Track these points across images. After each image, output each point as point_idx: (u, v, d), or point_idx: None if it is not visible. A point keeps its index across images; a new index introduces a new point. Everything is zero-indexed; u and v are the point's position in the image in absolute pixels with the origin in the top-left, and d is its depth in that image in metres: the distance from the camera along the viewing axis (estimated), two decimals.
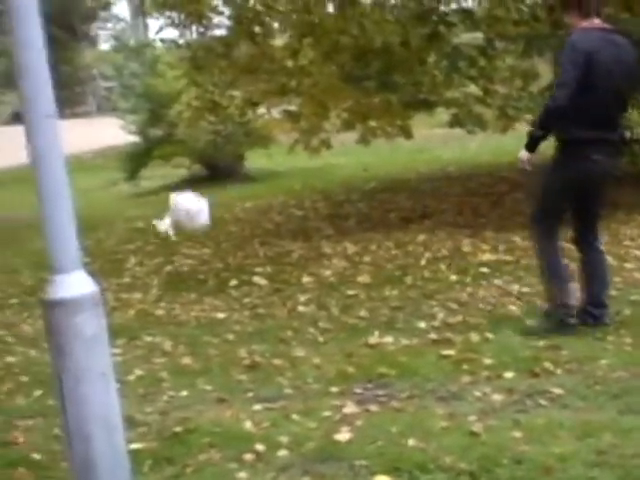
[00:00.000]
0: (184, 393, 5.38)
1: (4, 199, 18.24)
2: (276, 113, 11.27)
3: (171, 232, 9.34)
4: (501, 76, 10.01)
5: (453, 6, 10.26)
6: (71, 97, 40.75)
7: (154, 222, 9.53)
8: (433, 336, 5.87)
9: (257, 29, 10.30)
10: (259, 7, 10.21)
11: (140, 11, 13.69)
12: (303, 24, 9.86)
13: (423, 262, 8.05)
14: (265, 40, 10.51)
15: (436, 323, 6.18)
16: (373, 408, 4.71)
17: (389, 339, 5.87)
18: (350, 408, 4.72)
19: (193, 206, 9.87)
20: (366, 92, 9.67)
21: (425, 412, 4.56)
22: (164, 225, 9.53)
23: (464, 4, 10.40)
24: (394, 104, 9.75)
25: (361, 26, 9.24)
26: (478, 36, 10.07)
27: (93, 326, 3.54)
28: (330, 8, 10.15)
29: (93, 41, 48.42)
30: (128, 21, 44.11)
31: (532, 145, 5.53)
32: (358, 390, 5.03)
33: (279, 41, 11.08)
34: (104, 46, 46.76)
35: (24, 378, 6.07)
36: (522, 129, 7.43)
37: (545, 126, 5.48)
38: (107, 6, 41.05)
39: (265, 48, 10.45)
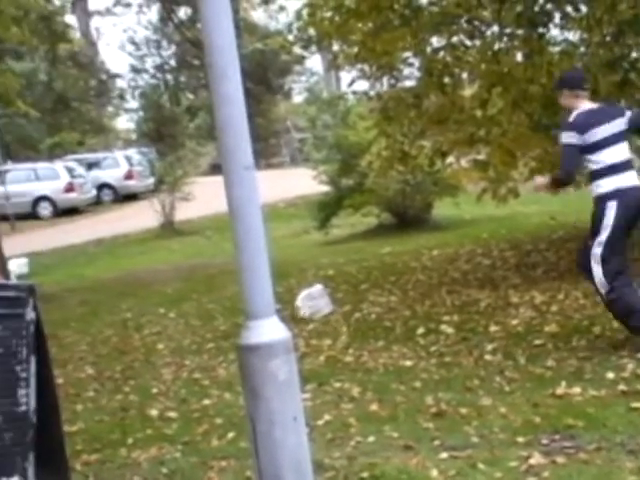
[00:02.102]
0: (371, 439, 5.47)
1: (201, 247, 19.00)
2: (465, 162, 11.30)
3: (305, 312, 9.47)
4: None
5: None
6: (266, 149, 41.97)
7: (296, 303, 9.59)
8: (622, 387, 5.73)
9: (447, 80, 10.41)
10: (449, 58, 10.32)
11: (333, 65, 14.04)
12: (492, 74, 9.89)
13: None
14: (454, 90, 10.59)
15: (625, 374, 6.01)
16: (560, 460, 4.66)
17: (577, 390, 5.78)
18: (536, 459, 4.69)
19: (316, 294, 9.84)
20: (555, 140, 9.57)
21: (613, 465, 4.48)
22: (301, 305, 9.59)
23: None
24: None
25: (550, 74, 9.20)
26: None
27: (285, 371, 3.65)
28: (519, 57, 10.14)
29: (287, 94, 49.80)
30: (321, 74, 45.29)
31: None
32: (545, 441, 4.98)
33: (468, 91, 11.15)
34: (297, 99, 48.18)
35: (218, 420, 6.32)
36: None
37: None
38: (301, 60, 42.18)
39: (454, 98, 10.53)
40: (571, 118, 6.46)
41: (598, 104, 6.69)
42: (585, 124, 6.37)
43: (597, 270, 6.39)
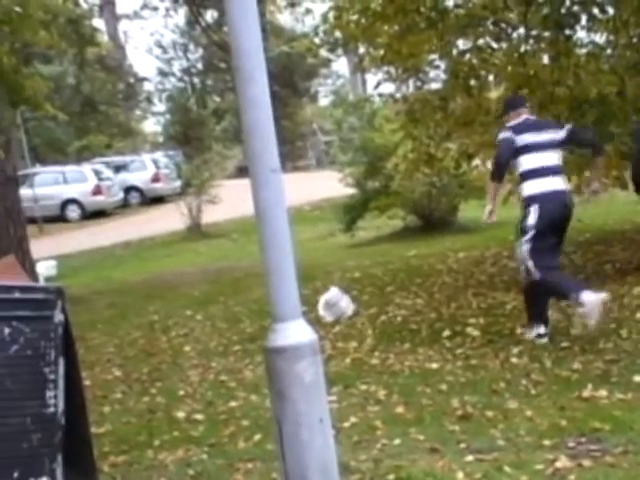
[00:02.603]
0: (397, 442, 5.47)
1: (227, 249, 19.06)
2: (491, 165, 11.28)
3: (329, 318, 9.45)
4: None
5: None
6: (292, 151, 42.02)
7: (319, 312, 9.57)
8: None
9: (473, 82, 10.39)
10: (475, 61, 10.30)
11: (359, 67, 14.04)
12: (518, 76, 9.86)
13: (639, 315, 7.84)
14: (480, 93, 10.57)
15: None
16: (586, 463, 4.65)
17: (603, 393, 5.77)
18: (563, 462, 4.68)
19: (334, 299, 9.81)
20: None
21: None
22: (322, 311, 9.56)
23: None
24: (610, 155, 9.59)
25: (576, 77, 9.17)
26: None
27: (312, 373, 3.66)
28: (545, 60, 10.10)
29: (313, 97, 49.84)
30: (347, 77, 45.31)
31: None
32: (571, 444, 4.97)
33: (494, 93, 11.12)
34: (324, 101, 48.19)
35: (245, 422, 6.35)
36: None
37: None
38: (327, 63, 42.22)
39: (480, 100, 10.51)
40: (509, 123, 7.45)
41: (535, 118, 7.77)
42: (520, 128, 7.34)
43: (530, 264, 7.20)
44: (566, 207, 7.28)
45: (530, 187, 7.24)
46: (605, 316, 7.25)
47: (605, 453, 4.78)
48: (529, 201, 7.22)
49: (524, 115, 7.52)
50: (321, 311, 9.49)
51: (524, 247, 7.21)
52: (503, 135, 7.35)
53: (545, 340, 7.31)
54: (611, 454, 4.75)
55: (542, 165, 7.24)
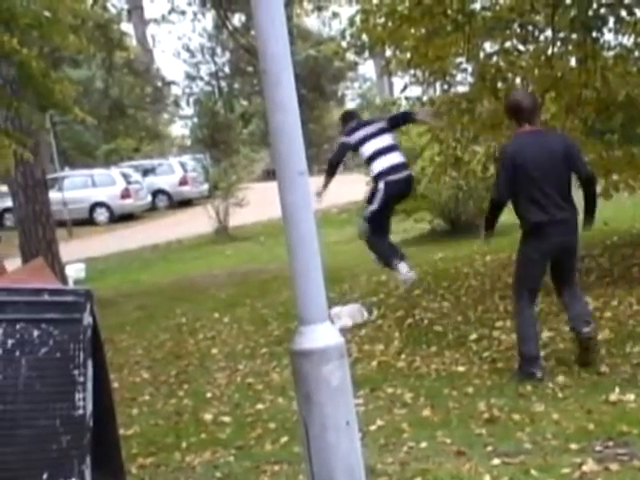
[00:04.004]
0: (423, 445, 5.48)
1: (254, 252, 19.10)
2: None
3: (349, 323, 9.41)
4: None
5: None
6: (319, 155, 42.04)
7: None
8: None
9: (500, 85, 10.34)
10: (502, 63, 10.26)
11: (386, 70, 14.04)
12: (545, 79, 9.81)
13: None
14: (508, 95, 10.53)
15: None
16: (613, 467, 4.64)
17: (630, 396, 5.74)
18: (589, 466, 4.67)
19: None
20: (609, 145, 9.49)
21: None
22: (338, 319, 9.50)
23: None
24: (637, 157, 9.53)
25: (604, 79, 9.12)
26: None
27: (338, 376, 3.67)
28: (572, 62, 10.05)
29: (340, 100, 49.83)
30: (374, 80, 45.29)
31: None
32: (598, 448, 4.96)
33: None
34: (350, 105, 48.13)
35: (272, 425, 6.38)
36: None
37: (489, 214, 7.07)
38: (354, 66, 42.23)
39: None
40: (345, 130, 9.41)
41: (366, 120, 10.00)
42: (350, 130, 9.32)
43: (364, 224, 9.40)
44: (405, 181, 9.25)
45: (377, 165, 9.08)
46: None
47: (633, 457, 4.76)
48: (378, 176, 9.05)
49: (355, 121, 9.51)
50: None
51: (366, 213, 9.33)
52: (339, 141, 9.01)
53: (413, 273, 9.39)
54: (639, 458, 4.73)
55: (380, 147, 9.12)
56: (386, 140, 9.24)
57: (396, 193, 9.24)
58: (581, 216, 6.89)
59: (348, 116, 9.89)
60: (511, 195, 6.75)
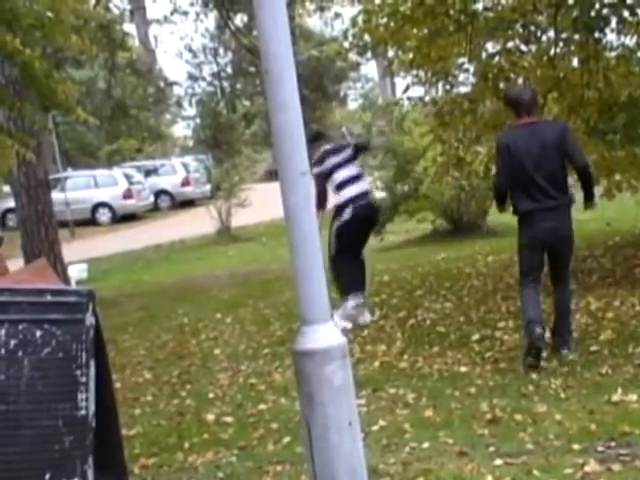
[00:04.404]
0: (426, 445, 5.48)
1: (256, 253, 19.11)
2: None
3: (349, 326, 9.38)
4: None
5: None
6: None
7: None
8: None
9: (502, 85, 10.34)
10: (504, 64, 10.26)
11: (388, 71, 14.05)
12: (548, 79, 9.81)
13: None
14: (507, 89, 10.53)
15: None
16: (615, 467, 4.64)
17: (633, 397, 5.74)
18: (592, 466, 4.67)
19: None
20: (611, 146, 9.48)
21: None
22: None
23: None
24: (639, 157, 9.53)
25: (606, 79, 9.12)
26: None
27: (341, 376, 3.67)
28: (575, 62, 10.05)
29: (342, 101, 49.85)
30: (376, 81, 45.30)
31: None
32: (600, 448, 4.96)
33: None
34: (353, 105, 48.19)
35: (274, 425, 6.37)
36: None
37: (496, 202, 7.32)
38: (356, 67, 42.26)
39: None
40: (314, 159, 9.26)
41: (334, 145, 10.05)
42: (320, 159, 9.50)
43: (334, 241, 9.38)
44: (373, 205, 9.71)
45: (346, 193, 9.39)
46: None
47: (635, 457, 4.76)
48: (346, 203, 9.36)
49: (322, 147, 9.72)
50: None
51: (336, 224, 9.38)
52: (313, 172, 8.67)
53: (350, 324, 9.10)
54: None
55: (348, 176, 9.46)
56: (353, 169, 9.64)
57: (364, 213, 9.46)
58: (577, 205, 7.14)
59: (314, 137, 10.07)
60: (510, 183, 6.95)
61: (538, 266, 7.02)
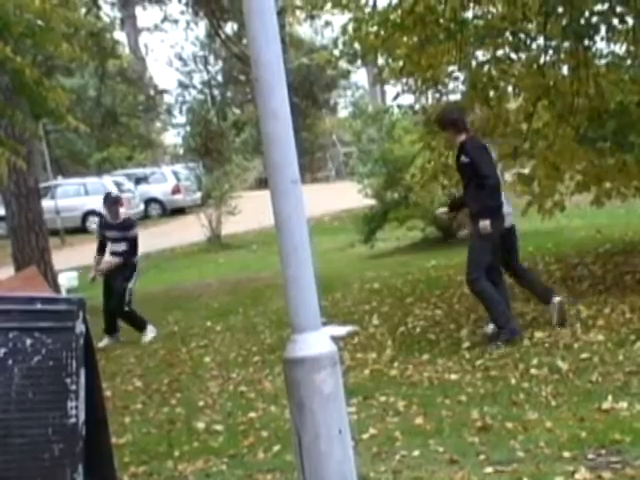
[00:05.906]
0: (416, 453, 5.47)
1: (247, 261, 19.10)
2: (509, 176, 11.26)
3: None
4: None
5: None
6: (312, 163, 42.11)
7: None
8: None
9: (492, 93, 10.37)
10: (494, 72, 10.29)
11: (378, 79, 14.06)
12: (537, 87, 9.84)
13: None
14: (499, 104, 10.55)
15: None
16: (606, 475, 4.64)
17: (623, 404, 5.74)
18: (582, 474, 4.67)
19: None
20: (601, 153, 9.50)
21: None
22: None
23: None
24: (630, 165, 9.55)
25: (597, 87, 9.15)
26: None
27: (331, 384, 3.67)
28: (564, 70, 10.08)
29: (333, 108, 49.86)
30: (366, 88, 45.35)
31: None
32: (591, 456, 4.96)
33: (513, 104, 11.11)
34: (343, 113, 48.17)
35: (264, 433, 6.37)
36: None
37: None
38: (347, 75, 42.33)
39: (499, 111, 10.49)
40: None
41: None
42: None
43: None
44: None
45: None
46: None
47: (625, 465, 4.76)
48: None
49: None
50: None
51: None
52: None
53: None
54: (631, 466, 4.73)
55: None
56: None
57: None
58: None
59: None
60: None
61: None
